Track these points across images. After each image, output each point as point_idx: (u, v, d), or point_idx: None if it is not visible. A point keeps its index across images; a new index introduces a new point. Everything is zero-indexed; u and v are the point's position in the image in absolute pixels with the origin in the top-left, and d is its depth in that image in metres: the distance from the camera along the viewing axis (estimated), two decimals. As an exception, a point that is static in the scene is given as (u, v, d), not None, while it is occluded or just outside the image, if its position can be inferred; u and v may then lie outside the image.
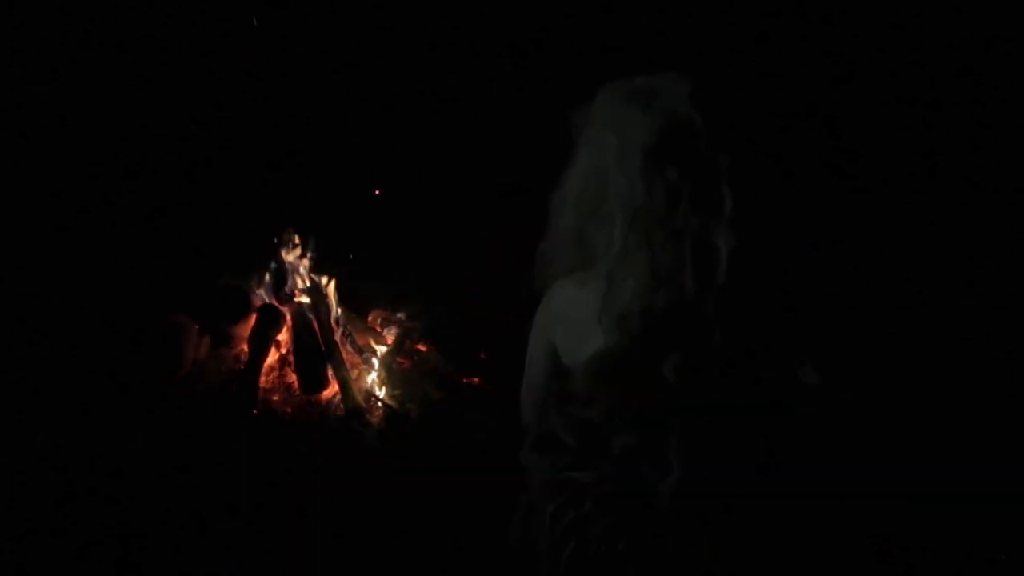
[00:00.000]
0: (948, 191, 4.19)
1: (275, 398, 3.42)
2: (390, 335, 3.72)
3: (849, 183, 4.27)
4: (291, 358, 3.54)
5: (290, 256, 3.77)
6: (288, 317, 3.61)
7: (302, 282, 3.74)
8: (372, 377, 3.51)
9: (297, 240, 3.78)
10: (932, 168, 4.24)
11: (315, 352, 3.48)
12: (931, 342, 3.66)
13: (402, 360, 3.63)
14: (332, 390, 3.44)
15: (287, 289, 3.72)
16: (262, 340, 3.49)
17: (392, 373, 3.53)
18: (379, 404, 3.40)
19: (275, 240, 3.77)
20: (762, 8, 4.35)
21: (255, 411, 3.33)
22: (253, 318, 3.57)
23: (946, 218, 4.13)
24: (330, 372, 3.45)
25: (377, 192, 4.39)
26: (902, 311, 3.82)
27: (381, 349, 3.65)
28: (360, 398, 3.38)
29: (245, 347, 3.55)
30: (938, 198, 4.19)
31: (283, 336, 3.61)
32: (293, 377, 3.49)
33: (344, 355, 3.51)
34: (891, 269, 4.00)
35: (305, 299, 3.68)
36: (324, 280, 3.74)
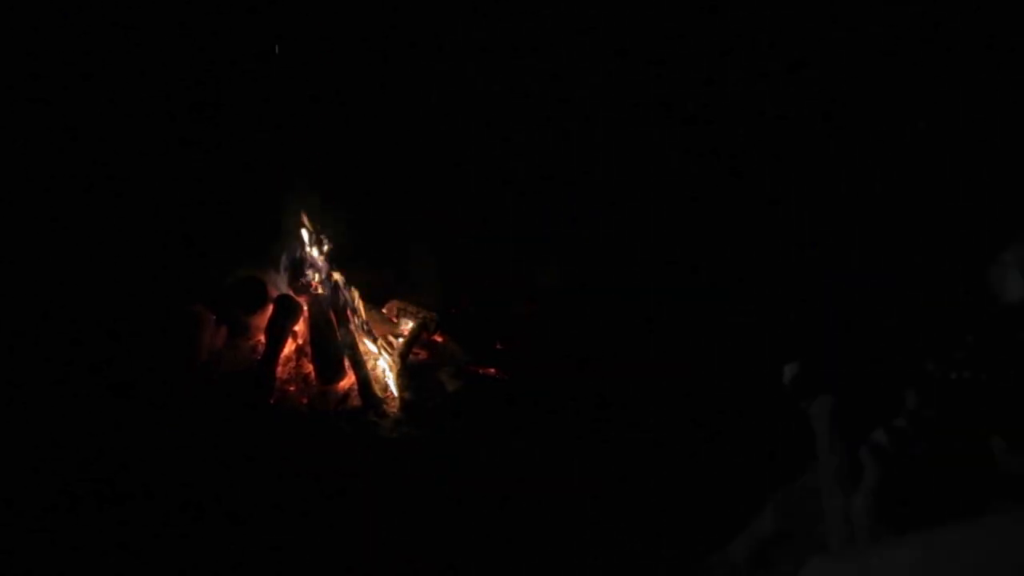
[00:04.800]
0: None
1: (292, 388, 3.44)
2: (406, 326, 3.72)
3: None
4: (308, 348, 3.55)
5: (307, 246, 3.78)
6: (305, 308, 3.62)
7: (319, 272, 3.75)
8: (388, 368, 3.51)
9: (314, 230, 3.78)
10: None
11: (332, 342, 3.49)
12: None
13: (418, 351, 3.63)
14: (348, 381, 3.45)
15: (304, 279, 3.73)
16: (279, 330, 3.50)
17: (408, 364, 3.53)
18: (395, 395, 3.41)
19: (293, 230, 3.78)
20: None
21: (271, 401, 3.34)
22: (270, 308, 3.57)
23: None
24: (347, 363, 3.46)
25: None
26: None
27: (398, 340, 3.66)
28: (376, 389, 3.39)
29: (262, 337, 3.56)
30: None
31: (300, 327, 3.61)
32: (310, 367, 3.50)
33: (361, 346, 3.51)
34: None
35: (322, 289, 3.69)
36: (341, 270, 3.75)
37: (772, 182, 4.44)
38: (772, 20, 4.51)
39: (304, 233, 3.78)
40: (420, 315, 3.70)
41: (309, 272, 3.75)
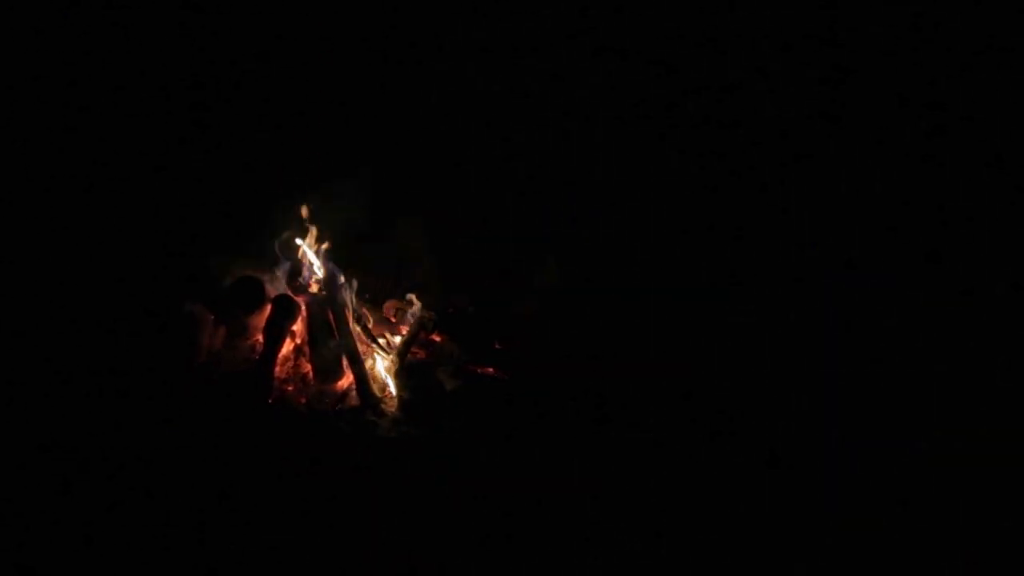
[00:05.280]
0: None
1: (290, 388, 3.43)
2: (405, 325, 3.71)
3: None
4: (306, 348, 3.54)
5: (306, 246, 3.77)
6: (303, 307, 3.60)
7: (317, 272, 3.74)
8: (386, 367, 3.50)
9: (313, 230, 3.78)
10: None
11: (330, 342, 3.48)
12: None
13: (417, 350, 3.62)
14: (347, 380, 3.44)
15: (302, 279, 3.72)
16: (277, 330, 3.49)
17: (406, 363, 3.53)
18: (393, 394, 3.40)
19: (291, 230, 3.77)
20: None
21: (270, 401, 3.33)
22: (268, 308, 3.56)
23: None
24: (345, 362, 3.45)
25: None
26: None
27: (396, 339, 3.65)
28: (375, 388, 3.38)
29: (260, 337, 3.55)
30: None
31: (298, 326, 3.60)
32: (308, 367, 3.49)
33: (359, 345, 3.50)
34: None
35: (320, 289, 3.68)
36: (339, 269, 3.74)
37: (772, 182, 4.44)
38: (772, 20, 4.51)
39: (303, 233, 3.77)
40: (418, 314, 3.69)
41: (307, 272, 3.74)
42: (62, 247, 3.81)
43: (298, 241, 3.76)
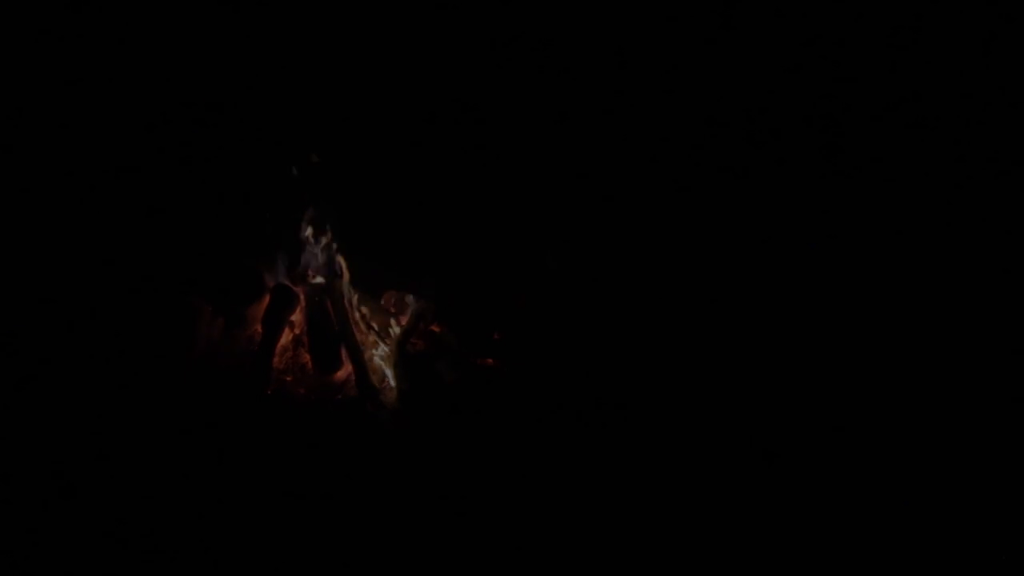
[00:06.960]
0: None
1: (289, 379, 3.41)
2: (404, 316, 3.70)
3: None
4: (305, 339, 3.52)
5: (305, 236, 3.74)
6: (302, 298, 3.58)
7: (316, 262, 3.72)
8: (385, 358, 3.49)
9: (312, 220, 3.75)
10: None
11: (329, 332, 3.46)
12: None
13: (416, 341, 3.61)
14: (346, 371, 3.43)
15: (300, 269, 3.70)
16: (276, 321, 3.47)
17: (405, 354, 3.51)
18: (392, 385, 3.39)
19: (289, 220, 3.74)
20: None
21: (269, 392, 3.31)
22: (266, 299, 3.54)
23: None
24: (344, 353, 3.43)
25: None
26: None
27: (395, 330, 3.64)
28: (374, 379, 3.37)
29: (259, 328, 3.53)
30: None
31: (297, 317, 3.58)
32: (307, 358, 3.48)
33: (358, 336, 3.49)
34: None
35: (319, 279, 3.66)
36: (338, 260, 3.71)
37: (772, 181, 4.42)
38: (772, 19, 4.48)
39: (302, 223, 3.74)
40: (418, 305, 3.67)
41: (306, 261, 3.72)
42: (61, 240, 3.77)
43: (300, 227, 3.74)
